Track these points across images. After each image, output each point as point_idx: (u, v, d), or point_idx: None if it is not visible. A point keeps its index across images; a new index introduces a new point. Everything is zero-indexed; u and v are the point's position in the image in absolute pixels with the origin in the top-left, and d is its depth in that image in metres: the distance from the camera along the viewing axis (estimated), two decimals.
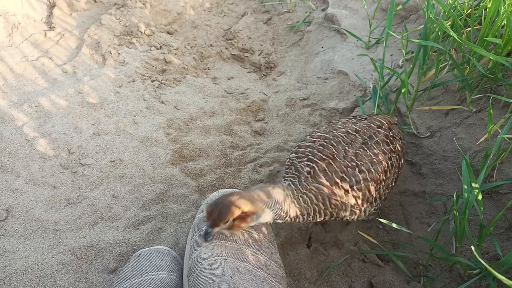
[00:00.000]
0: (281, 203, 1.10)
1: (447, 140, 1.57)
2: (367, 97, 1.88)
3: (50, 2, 2.56)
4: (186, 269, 1.15)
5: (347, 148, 1.18)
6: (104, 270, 1.32)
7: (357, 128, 1.26)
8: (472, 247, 0.88)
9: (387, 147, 1.23)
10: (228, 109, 1.99)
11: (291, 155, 1.26)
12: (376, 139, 1.24)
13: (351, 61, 2.10)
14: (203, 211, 1.26)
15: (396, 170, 1.27)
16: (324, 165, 1.14)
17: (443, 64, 1.70)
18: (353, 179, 1.13)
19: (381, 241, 1.41)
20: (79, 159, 1.66)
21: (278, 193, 1.11)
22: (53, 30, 2.39)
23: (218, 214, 1.04)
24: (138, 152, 1.71)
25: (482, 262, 0.72)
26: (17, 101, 1.88)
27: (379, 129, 1.28)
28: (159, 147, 1.75)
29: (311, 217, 1.15)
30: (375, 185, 1.17)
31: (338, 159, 1.15)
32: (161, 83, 2.11)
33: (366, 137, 1.23)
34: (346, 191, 1.13)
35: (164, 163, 1.68)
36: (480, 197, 1.10)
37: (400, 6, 1.99)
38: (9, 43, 2.25)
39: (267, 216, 1.10)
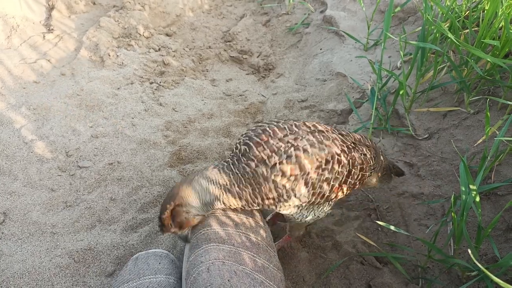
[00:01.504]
0: (213, 185, 1.09)
1: (445, 141, 1.57)
2: (365, 99, 1.88)
3: (49, 5, 2.57)
4: (184, 272, 1.14)
5: (288, 133, 1.09)
6: (102, 273, 1.32)
7: (315, 124, 1.16)
8: (469, 250, 0.88)
9: (338, 144, 1.12)
10: (227, 111, 1.99)
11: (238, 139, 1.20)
12: (326, 134, 1.13)
13: (350, 63, 2.10)
14: None
15: (345, 173, 1.13)
16: (256, 144, 1.08)
17: (441, 66, 1.70)
18: (284, 155, 1.04)
19: (379, 243, 1.41)
20: (76, 161, 1.65)
21: (207, 175, 1.11)
22: (52, 32, 2.39)
23: (160, 227, 1.12)
24: (136, 154, 1.71)
25: (479, 265, 0.72)
26: (15, 104, 1.88)
27: (338, 134, 1.18)
28: (157, 149, 1.75)
29: (244, 201, 1.11)
30: (309, 165, 1.05)
31: (272, 141, 1.07)
32: (160, 85, 2.11)
33: (315, 129, 1.13)
34: (273, 166, 1.04)
35: (162, 166, 1.68)
36: (478, 199, 1.09)
37: (398, 8, 1.99)
38: (7, 45, 2.25)
39: (199, 205, 1.11)
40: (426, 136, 1.62)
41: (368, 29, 2.10)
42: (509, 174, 1.38)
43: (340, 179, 1.12)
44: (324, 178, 1.09)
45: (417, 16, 2.13)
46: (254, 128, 1.15)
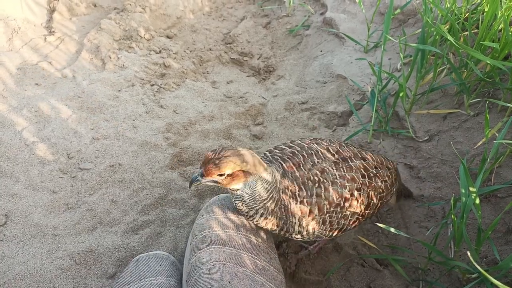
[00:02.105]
0: (275, 182, 1.07)
1: (445, 143, 1.58)
2: (365, 101, 1.89)
3: (50, 7, 2.58)
4: (185, 274, 1.15)
5: (316, 162, 1.11)
6: (103, 275, 1.32)
7: (338, 149, 1.18)
8: (468, 253, 0.88)
9: (360, 176, 1.14)
10: (227, 113, 2.00)
11: (266, 153, 1.21)
12: (350, 163, 1.14)
13: (350, 65, 2.10)
14: (202, 215, 1.26)
15: (363, 207, 1.15)
16: (289, 171, 1.10)
17: (441, 68, 1.71)
18: (309, 192, 1.07)
19: (380, 245, 1.41)
20: (78, 163, 1.66)
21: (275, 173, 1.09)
22: (53, 34, 2.40)
23: (215, 164, 1.01)
24: (137, 156, 1.72)
25: (479, 268, 0.72)
26: (16, 106, 1.89)
27: (361, 160, 1.18)
28: (158, 151, 1.75)
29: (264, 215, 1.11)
30: (328, 206, 1.08)
31: (303, 169, 1.10)
32: (160, 87, 2.12)
33: (339, 158, 1.15)
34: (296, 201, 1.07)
35: (163, 168, 1.68)
36: (477, 201, 1.10)
37: (398, 10, 2.00)
38: (9, 47, 2.25)
39: (259, 187, 1.06)
40: (426, 138, 1.62)
41: (368, 31, 2.10)
42: (509, 176, 1.39)
43: (359, 212, 1.14)
44: (342, 215, 1.11)
45: (417, 18, 2.13)
46: (284, 147, 1.16)
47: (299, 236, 1.15)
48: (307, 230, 1.11)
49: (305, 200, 1.07)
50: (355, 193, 1.11)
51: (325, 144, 1.18)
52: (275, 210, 1.10)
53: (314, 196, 1.07)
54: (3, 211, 1.48)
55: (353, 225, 1.17)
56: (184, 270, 1.18)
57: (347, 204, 1.11)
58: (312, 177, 1.08)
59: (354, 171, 1.13)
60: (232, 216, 1.27)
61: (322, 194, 1.07)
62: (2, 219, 1.45)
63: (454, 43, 1.40)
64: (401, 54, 1.60)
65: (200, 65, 2.38)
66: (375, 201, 1.17)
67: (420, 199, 1.50)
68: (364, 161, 1.17)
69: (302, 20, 2.56)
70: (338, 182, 1.09)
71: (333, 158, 1.13)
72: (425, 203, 1.47)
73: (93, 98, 1.95)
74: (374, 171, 1.18)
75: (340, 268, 1.34)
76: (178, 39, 2.53)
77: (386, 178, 1.21)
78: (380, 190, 1.18)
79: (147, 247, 1.41)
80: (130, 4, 2.54)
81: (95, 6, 2.68)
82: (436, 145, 1.59)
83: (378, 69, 1.67)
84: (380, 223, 1.47)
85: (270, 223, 1.13)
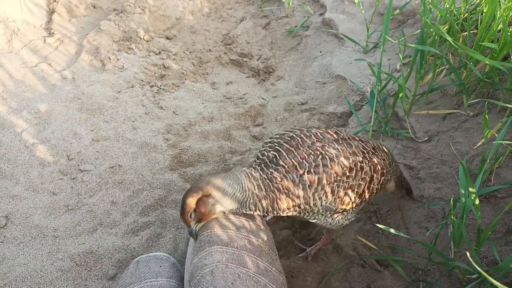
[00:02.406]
0: (242, 187, 1.10)
1: (445, 144, 1.58)
2: (365, 102, 1.89)
3: (49, 8, 2.58)
4: (188, 275, 1.15)
5: (315, 141, 1.14)
6: (103, 276, 1.32)
7: (336, 131, 1.22)
8: (468, 253, 0.89)
9: (360, 152, 1.17)
10: (227, 114, 2.00)
11: (267, 140, 1.24)
12: (349, 142, 1.18)
13: (349, 66, 2.10)
14: None
15: (368, 179, 1.18)
16: (286, 151, 1.12)
17: (440, 68, 1.71)
18: (313, 164, 1.09)
19: (380, 246, 1.41)
20: (78, 165, 1.66)
21: (237, 175, 1.12)
22: (53, 36, 2.40)
23: (181, 212, 1.10)
24: (137, 157, 1.72)
25: (478, 269, 0.72)
26: (16, 107, 1.89)
27: (359, 141, 1.22)
28: (158, 152, 1.75)
29: (271, 207, 1.13)
30: (335, 174, 1.10)
31: (302, 148, 1.12)
32: (160, 88, 2.12)
33: (339, 138, 1.18)
34: (302, 174, 1.09)
35: (163, 169, 1.68)
36: (477, 201, 1.10)
37: (397, 11, 2.00)
38: (8, 49, 2.26)
39: (227, 201, 1.11)
40: (426, 138, 1.62)
41: (368, 32, 2.11)
42: (509, 177, 1.39)
43: (364, 185, 1.17)
44: (349, 186, 1.13)
45: (416, 19, 2.14)
46: (281, 134, 1.19)
47: (314, 212, 1.15)
48: (321, 203, 1.12)
49: (312, 170, 1.08)
50: (359, 164, 1.14)
51: (323, 129, 1.23)
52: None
53: (321, 166, 1.09)
54: (3, 213, 1.48)
55: (361, 199, 1.19)
56: (186, 270, 1.18)
57: (352, 174, 1.13)
58: (313, 152, 1.11)
59: (354, 147, 1.16)
60: (232, 217, 1.28)
61: (328, 164, 1.09)
62: (3, 220, 1.45)
63: (453, 43, 1.41)
64: (400, 54, 1.60)
65: (200, 66, 2.38)
66: (377, 176, 1.20)
67: (420, 200, 1.50)
68: (361, 142, 1.22)
69: (302, 21, 2.57)
70: (342, 154, 1.12)
71: (333, 138, 1.17)
72: (425, 203, 1.47)
73: (93, 99, 1.95)
74: (372, 150, 1.23)
75: (341, 269, 1.34)
76: (178, 40, 2.53)
77: (384, 158, 1.25)
78: (380, 167, 1.22)
79: (148, 249, 1.41)
80: (129, 6, 2.55)
81: (94, 7, 2.68)
82: (435, 146, 1.59)
83: (378, 69, 1.67)
84: (380, 223, 1.48)
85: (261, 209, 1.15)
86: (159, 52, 2.37)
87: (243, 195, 1.12)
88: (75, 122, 1.83)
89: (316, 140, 1.14)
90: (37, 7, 2.53)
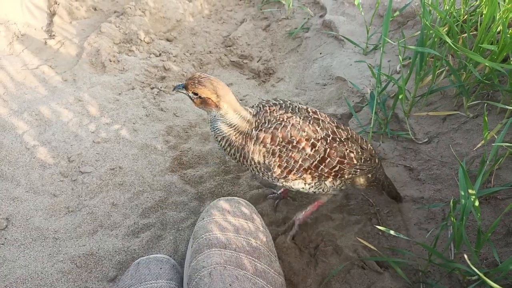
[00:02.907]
0: (242, 124, 1.24)
1: (445, 145, 1.58)
2: (365, 103, 1.89)
3: (50, 11, 2.58)
4: (186, 277, 1.15)
5: (289, 112, 1.27)
6: (104, 278, 1.32)
7: (317, 111, 1.32)
8: (465, 256, 0.89)
9: (324, 134, 1.25)
10: None
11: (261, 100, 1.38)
12: (319, 121, 1.27)
13: (349, 67, 2.11)
14: (203, 218, 1.26)
15: (317, 158, 1.24)
16: (263, 111, 1.28)
17: (440, 70, 1.71)
18: (268, 125, 1.23)
19: (380, 247, 1.41)
20: (78, 167, 1.66)
21: (244, 113, 1.25)
22: (53, 38, 2.40)
23: (194, 84, 1.20)
24: (138, 159, 1.72)
25: (477, 272, 0.72)
26: (17, 109, 1.89)
27: (334, 126, 1.30)
28: (158, 154, 1.76)
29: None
30: (280, 138, 1.22)
31: (274, 113, 1.26)
32: (161, 90, 2.12)
33: (313, 116, 1.28)
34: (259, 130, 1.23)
35: (163, 171, 1.69)
36: (477, 203, 1.10)
37: (397, 13, 2.00)
38: (9, 51, 2.26)
39: (221, 122, 1.24)
40: (425, 140, 1.62)
41: (367, 34, 2.11)
42: (509, 178, 1.39)
43: (311, 161, 1.24)
44: (292, 155, 1.22)
45: (416, 20, 2.14)
46: (274, 99, 1.34)
47: (252, 165, 1.27)
48: (257, 158, 1.25)
49: (263, 129, 1.23)
50: (312, 140, 1.22)
51: (308, 107, 1.32)
52: (237, 140, 1.25)
53: (273, 128, 1.22)
54: (4, 215, 1.48)
55: (302, 172, 1.26)
56: (185, 273, 1.19)
57: (299, 146, 1.22)
58: (278, 117, 1.24)
59: (319, 127, 1.25)
60: (232, 219, 1.28)
61: (280, 128, 1.21)
62: (3, 222, 1.45)
63: (453, 45, 1.41)
64: (400, 56, 1.60)
65: (200, 68, 2.38)
66: (331, 161, 1.25)
67: (420, 201, 1.50)
68: (336, 128, 1.29)
69: (302, 23, 2.57)
70: (298, 126, 1.22)
71: (306, 114, 1.28)
72: (425, 205, 1.47)
73: (94, 101, 1.96)
74: (342, 139, 1.28)
75: (341, 271, 1.34)
76: (178, 42, 2.53)
77: (353, 151, 1.29)
78: (342, 155, 1.26)
79: (148, 250, 1.41)
80: (130, 8, 2.55)
81: (95, 9, 2.69)
82: (435, 147, 1.59)
83: (378, 71, 1.68)
84: (380, 225, 1.48)
85: (231, 149, 1.28)
86: (160, 54, 2.38)
87: (235, 124, 1.24)
88: (76, 124, 1.84)
89: (291, 111, 1.27)
90: (38, 9, 2.54)
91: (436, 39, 1.62)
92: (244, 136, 1.25)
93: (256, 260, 1.18)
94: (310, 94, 2.11)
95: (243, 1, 2.96)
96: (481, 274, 0.70)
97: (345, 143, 1.27)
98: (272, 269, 1.19)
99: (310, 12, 2.61)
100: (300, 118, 1.25)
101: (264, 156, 1.24)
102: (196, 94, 1.21)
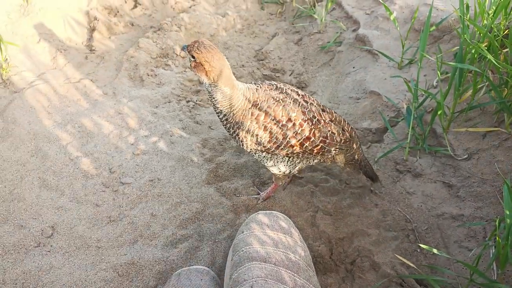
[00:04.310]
0: (237, 96, 1.34)
1: (486, 162, 1.55)
2: (400, 118, 1.88)
3: (90, 26, 2.70)
4: None
5: (280, 92, 1.39)
6: (144, 287, 1.36)
7: (304, 95, 1.44)
8: None
9: (311, 116, 1.37)
10: None
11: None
12: (307, 104, 1.39)
13: (384, 81, 2.10)
14: (242, 231, 1.28)
15: (304, 135, 1.37)
16: (261, 88, 1.40)
17: (480, 86, 1.69)
18: (262, 103, 1.35)
19: (418, 265, 1.39)
20: (119, 178, 1.72)
21: (238, 85, 1.35)
22: (94, 53, 2.51)
23: (193, 47, 1.29)
24: (175, 171, 1.76)
25: None
26: (61, 122, 1.98)
27: (320, 109, 1.43)
28: (194, 166, 1.80)
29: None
30: (273, 116, 1.34)
31: (270, 92, 1.39)
32: (196, 103, 2.18)
33: (302, 99, 1.40)
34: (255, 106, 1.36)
35: (199, 183, 1.72)
36: None
37: (433, 27, 1.99)
38: (53, 65, 2.37)
39: (215, 92, 1.34)
40: (465, 156, 1.60)
41: (403, 48, 2.10)
42: None
43: (298, 139, 1.37)
44: (281, 132, 1.35)
45: (452, 35, 2.12)
46: (271, 80, 1.51)
47: (244, 141, 1.38)
48: (251, 135, 1.36)
49: (260, 107, 1.34)
50: (299, 120, 1.35)
51: (301, 92, 1.44)
52: (234, 113, 1.35)
53: (267, 107, 1.34)
54: (49, 223, 1.55)
55: (290, 148, 1.38)
56: (225, 285, 1.20)
57: (289, 124, 1.35)
58: (275, 97, 1.36)
59: (307, 109, 1.38)
60: (271, 233, 1.29)
61: (272, 107, 1.34)
62: (49, 231, 1.52)
63: (495, 62, 1.39)
64: (438, 71, 1.59)
65: None
66: (315, 139, 1.39)
67: (460, 219, 1.48)
68: (322, 111, 1.42)
69: (334, 37, 2.59)
70: (290, 107, 1.35)
71: (296, 96, 1.40)
72: (465, 223, 1.44)
73: (133, 114, 2.02)
74: (327, 120, 1.42)
75: None
76: None
77: (335, 132, 1.43)
78: (325, 135, 1.40)
79: (186, 261, 1.44)
80: (167, 24, 2.64)
81: (132, 25, 2.79)
82: (476, 164, 1.56)
83: (414, 86, 1.67)
84: (418, 242, 1.46)
85: (227, 124, 1.39)
86: None
87: (227, 97, 1.34)
88: (116, 136, 1.91)
89: (284, 92, 1.39)
90: (79, 25, 2.66)
91: (475, 55, 1.61)
92: (242, 111, 1.35)
93: (295, 274, 1.18)
94: (343, 108, 2.12)
95: (275, 15, 3.01)
96: None
97: (328, 124, 1.41)
98: (311, 284, 1.19)
99: (343, 26, 2.63)
100: (291, 99, 1.37)
101: (256, 130, 1.35)
102: (193, 57, 1.31)
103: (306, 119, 1.36)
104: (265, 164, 1.49)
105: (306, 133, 1.37)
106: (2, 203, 1.60)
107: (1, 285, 1.35)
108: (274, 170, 1.50)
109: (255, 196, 1.64)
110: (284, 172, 1.51)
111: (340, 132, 1.45)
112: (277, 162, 1.46)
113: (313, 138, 1.38)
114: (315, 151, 1.42)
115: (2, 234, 1.50)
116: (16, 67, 2.23)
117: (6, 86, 2.13)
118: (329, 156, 1.48)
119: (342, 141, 1.45)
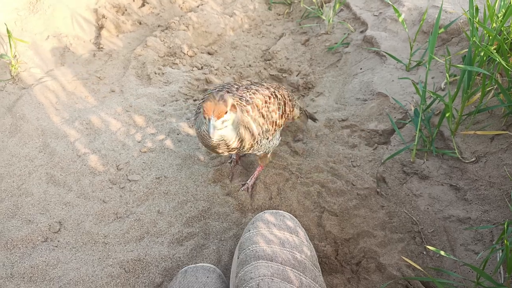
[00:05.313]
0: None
1: (493, 165, 1.55)
2: (407, 120, 1.88)
3: (98, 24, 2.71)
4: (233, 287, 1.17)
5: (242, 86, 1.55)
6: (150, 284, 1.36)
7: (249, 82, 1.63)
8: None
9: (270, 91, 1.55)
10: None
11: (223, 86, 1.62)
12: (258, 86, 1.56)
13: (391, 83, 2.10)
14: (249, 230, 1.29)
15: (281, 105, 1.57)
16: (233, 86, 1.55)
17: (489, 88, 1.68)
18: (245, 99, 1.46)
19: (424, 267, 1.39)
20: (126, 175, 1.73)
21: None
22: (102, 50, 2.52)
23: (222, 105, 1.25)
24: (181, 169, 1.77)
25: None
26: (69, 118, 1.99)
27: (263, 84, 1.61)
28: (201, 165, 1.80)
29: None
30: (261, 102, 1.47)
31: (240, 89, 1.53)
32: None
33: (252, 83, 1.60)
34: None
35: (206, 181, 1.73)
36: None
37: (442, 29, 1.99)
38: (61, 62, 2.39)
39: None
40: (473, 159, 1.59)
41: (411, 50, 2.10)
42: None
43: (282, 107, 1.58)
44: (270, 111, 1.50)
45: (461, 37, 2.11)
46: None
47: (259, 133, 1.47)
48: (258, 124, 1.45)
49: (244, 105, 1.43)
50: (272, 96, 1.54)
51: (249, 80, 1.68)
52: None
53: (246, 101, 1.45)
54: (57, 219, 1.55)
55: (278, 120, 1.55)
56: (231, 283, 1.21)
57: (271, 100, 1.52)
58: (246, 93, 1.48)
59: (265, 87, 1.56)
60: (277, 232, 1.30)
61: (254, 97, 1.47)
62: (57, 226, 1.53)
63: (505, 65, 1.39)
64: (447, 74, 1.59)
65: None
66: (287, 101, 1.63)
67: (467, 222, 1.47)
68: (266, 83, 1.63)
69: (342, 38, 2.59)
70: (260, 90, 1.52)
71: (254, 85, 1.57)
72: (473, 226, 1.44)
73: (140, 112, 2.03)
74: (277, 89, 1.63)
75: None
76: (219, 56, 2.60)
77: (284, 92, 1.66)
78: (285, 97, 1.63)
79: (192, 259, 1.44)
80: (174, 23, 2.65)
81: (140, 23, 2.80)
82: (483, 167, 1.56)
83: (422, 88, 1.66)
84: (425, 244, 1.46)
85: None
86: (202, 67, 2.45)
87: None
88: (124, 133, 1.91)
89: (245, 87, 1.53)
90: (87, 23, 2.67)
91: (484, 58, 1.60)
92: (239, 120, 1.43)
93: (301, 274, 1.18)
94: (350, 109, 2.11)
95: (282, 16, 3.01)
96: None
97: (278, 90, 1.62)
98: (317, 284, 1.19)
99: (351, 27, 2.63)
100: (254, 87, 1.54)
101: (262, 123, 1.47)
102: (226, 112, 1.33)
103: (274, 95, 1.56)
104: (264, 147, 1.56)
105: (281, 102, 1.59)
106: (10, 198, 1.62)
107: (9, 278, 1.36)
108: (270, 147, 1.61)
109: (242, 189, 1.68)
110: (275, 145, 1.64)
111: (290, 94, 1.73)
112: (273, 138, 1.59)
113: (286, 101, 1.62)
114: (291, 111, 1.68)
115: (10, 228, 1.51)
116: (25, 64, 2.25)
117: (15, 82, 2.14)
118: (293, 112, 1.73)
119: (294, 100, 1.74)
